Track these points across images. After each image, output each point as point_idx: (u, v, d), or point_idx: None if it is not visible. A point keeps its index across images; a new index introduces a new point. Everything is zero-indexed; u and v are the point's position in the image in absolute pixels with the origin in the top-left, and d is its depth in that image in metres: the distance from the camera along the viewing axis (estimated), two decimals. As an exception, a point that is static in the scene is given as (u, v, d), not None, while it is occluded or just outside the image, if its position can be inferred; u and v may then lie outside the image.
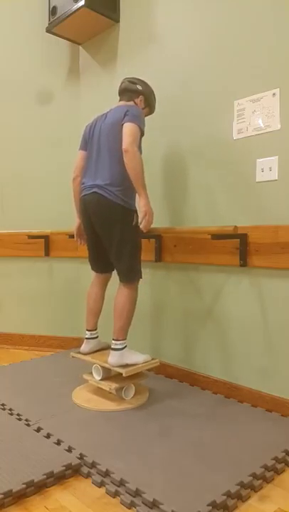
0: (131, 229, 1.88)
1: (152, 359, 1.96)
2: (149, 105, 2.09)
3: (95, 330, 2.09)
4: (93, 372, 1.97)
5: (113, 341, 1.89)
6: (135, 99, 2.02)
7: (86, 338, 2.07)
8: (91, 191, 1.91)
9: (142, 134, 1.90)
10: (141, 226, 1.85)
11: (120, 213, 1.87)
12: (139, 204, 1.82)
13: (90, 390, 2.03)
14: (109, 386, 1.85)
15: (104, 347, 2.11)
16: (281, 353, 1.83)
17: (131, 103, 2.00)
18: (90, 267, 2.14)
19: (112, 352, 1.88)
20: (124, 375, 1.81)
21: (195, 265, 2.18)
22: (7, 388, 2.09)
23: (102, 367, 1.91)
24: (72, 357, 2.06)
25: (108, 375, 1.94)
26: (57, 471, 1.34)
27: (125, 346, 1.90)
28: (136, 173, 1.79)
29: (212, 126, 2.08)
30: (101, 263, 2.08)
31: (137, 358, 1.90)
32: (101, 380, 1.92)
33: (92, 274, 2.14)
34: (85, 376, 2.00)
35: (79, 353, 2.05)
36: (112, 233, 1.89)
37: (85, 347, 2.05)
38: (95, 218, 1.92)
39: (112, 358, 1.86)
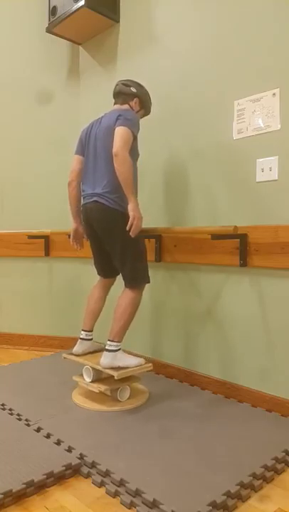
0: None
1: (146, 363, 1.93)
2: (145, 107, 2.08)
3: (91, 331, 2.08)
4: (84, 374, 1.95)
5: (108, 342, 1.88)
6: (130, 101, 2.01)
7: (80, 338, 2.06)
8: (91, 200, 1.91)
9: (135, 137, 1.89)
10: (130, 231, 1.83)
11: (121, 219, 1.86)
12: (128, 208, 1.81)
13: (90, 390, 2.03)
14: (99, 388, 1.84)
15: (97, 349, 2.09)
16: (281, 353, 1.83)
17: (126, 106, 2.00)
18: (90, 267, 2.15)
19: (105, 353, 1.87)
20: (116, 377, 1.79)
21: (195, 265, 2.18)
22: (7, 388, 2.09)
23: (93, 369, 1.90)
24: (64, 358, 2.04)
25: (99, 377, 1.92)
26: (57, 471, 1.34)
27: (119, 349, 1.89)
28: (125, 177, 1.78)
29: (212, 127, 2.08)
30: (106, 268, 2.09)
31: (129, 361, 1.88)
32: (92, 382, 1.90)
33: (94, 274, 2.14)
34: (75, 378, 1.99)
35: (71, 354, 2.04)
36: (115, 239, 1.90)
37: (78, 348, 2.04)
38: (98, 226, 1.93)
39: (105, 359, 1.85)
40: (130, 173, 1.79)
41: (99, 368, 1.86)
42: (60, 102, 2.90)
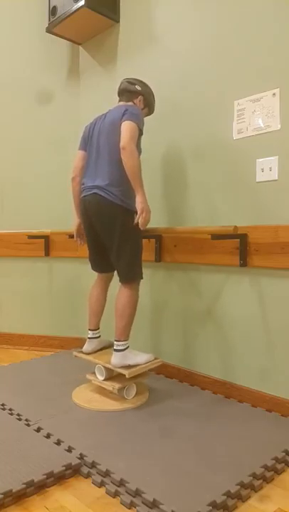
0: (131, 229, 1.88)
1: (155, 358, 1.96)
2: (149, 105, 2.09)
3: (97, 329, 2.09)
4: (96, 373, 1.98)
5: (115, 342, 1.90)
6: (134, 99, 2.02)
7: (88, 338, 2.08)
8: (91, 192, 1.91)
9: (141, 133, 1.90)
10: (138, 224, 1.84)
11: (120, 213, 1.87)
12: (136, 201, 1.82)
13: (90, 390, 2.03)
14: (113, 386, 1.86)
15: (106, 345, 2.11)
16: (281, 353, 1.83)
17: (130, 103, 2.00)
18: (90, 266, 2.14)
19: (114, 353, 1.88)
20: (127, 376, 1.81)
21: (195, 265, 2.18)
22: (7, 388, 2.09)
23: (105, 367, 1.92)
24: (75, 356, 2.06)
25: (111, 375, 1.95)
26: (57, 471, 1.34)
27: (127, 347, 1.90)
28: (133, 171, 1.79)
29: (212, 126, 2.08)
30: (101, 263, 2.08)
31: (139, 358, 1.90)
32: (104, 380, 1.92)
33: (94, 274, 2.15)
34: (88, 376, 2.01)
35: (81, 352, 2.06)
36: (113, 233, 1.89)
37: (87, 346, 2.06)
38: (96, 219, 1.93)
39: (115, 359, 1.87)
40: (138, 165, 1.80)
41: (110, 366, 1.88)
42: (60, 102, 2.90)
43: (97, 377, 1.96)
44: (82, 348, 2.11)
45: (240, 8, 1.94)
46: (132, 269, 1.93)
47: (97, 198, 1.88)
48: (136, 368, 1.86)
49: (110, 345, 2.08)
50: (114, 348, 1.89)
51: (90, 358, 2.00)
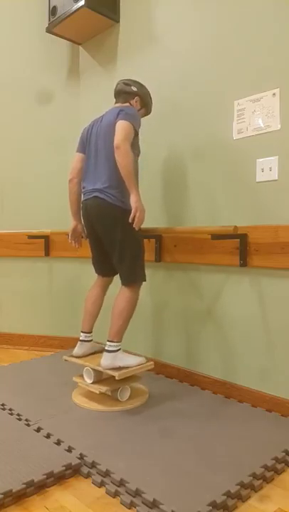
0: (132, 230, 1.87)
1: (147, 361, 1.93)
2: (145, 106, 2.08)
3: (90, 333, 2.08)
4: (84, 376, 1.95)
5: (108, 342, 1.88)
6: (130, 100, 2.02)
7: (80, 340, 2.05)
8: (92, 196, 1.91)
9: (136, 133, 1.89)
10: (133, 224, 1.82)
11: (120, 214, 1.86)
12: (130, 200, 1.81)
13: (90, 390, 2.03)
14: (99, 389, 1.83)
15: (98, 350, 2.08)
16: (281, 353, 1.83)
17: (126, 105, 2.00)
18: (90, 267, 2.15)
19: (105, 354, 1.86)
20: (116, 378, 1.79)
21: (195, 265, 2.18)
22: (7, 388, 2.09)
23: (94, 370, 1.89)
24: (65, 360, 2.03)
25: (100, 378, 1.92)
26: (57, 471, 1.34)
27: (119, 349, 1.88)
28: (127, 170, 1.78)
29: (212, 126, 2.08)
30: (104, 266, 2.08)
31: (130, 360, 1.87)
32: (93, 383, 1.89)
33: (94, 274, 2.14)
34: (75, 379, 1.98)
35: (72, 356, 2.03)
36: (114, 235, 1.89)
37: (78, 350, 2.03)
38: (97, 221, 1.93)
39: (105, 361, 1.84)
40: (132, 165, 1.79)
41: (99, 368, 1.86)
42: (60, 102, 2.90)
43: (84, 380, 1.93)
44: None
45: (240, 8, 1.94)
46: (134, 272, 1.93)
47: (98, 201, 1.89)
48: (126, 370, 1.82)
49: (102, 351, 2.02)
50: (106, 348, 1.87)
51: (80, 361, 1.96)
